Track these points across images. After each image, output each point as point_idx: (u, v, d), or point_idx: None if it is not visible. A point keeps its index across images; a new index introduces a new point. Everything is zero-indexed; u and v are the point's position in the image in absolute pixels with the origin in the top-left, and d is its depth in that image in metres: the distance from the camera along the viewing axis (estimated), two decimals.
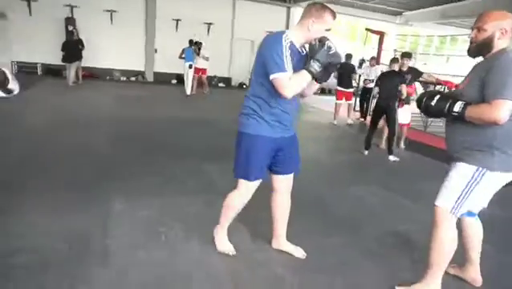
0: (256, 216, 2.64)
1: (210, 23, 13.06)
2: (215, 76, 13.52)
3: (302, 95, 2.17)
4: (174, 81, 12.60)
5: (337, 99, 7.87)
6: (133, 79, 12.50)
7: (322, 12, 1.99)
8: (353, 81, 8.29)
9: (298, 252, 2.41)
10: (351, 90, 7.98)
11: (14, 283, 1.92)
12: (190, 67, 9.91)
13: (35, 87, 8.76)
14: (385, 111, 5.28)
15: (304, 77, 1.95)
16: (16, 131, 4.90)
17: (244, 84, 13.50)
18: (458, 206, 1.93)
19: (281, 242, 2.45)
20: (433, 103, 1.93)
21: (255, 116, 2.08)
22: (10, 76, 1.76)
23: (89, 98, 8.32)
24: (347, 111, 8.07)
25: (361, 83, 8.85)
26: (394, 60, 5.65)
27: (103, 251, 2.28)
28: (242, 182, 2.20)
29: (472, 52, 1.95)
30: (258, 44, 2.11)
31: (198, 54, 10.14)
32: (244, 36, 13.58)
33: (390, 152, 5.27)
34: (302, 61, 2.02)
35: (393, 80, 5.27)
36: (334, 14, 2.03)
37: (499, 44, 1.85)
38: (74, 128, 5.44)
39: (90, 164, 3.91)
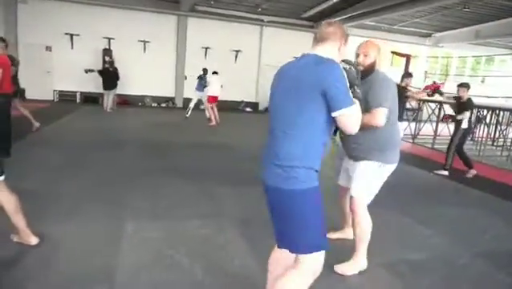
0: None
1: (238, 50, 13.47)
2: (242, 101, 13.81)
3: None
4: (202, 106, 12.97)
5: None
6: (164, 105, 13.02)
7: (346, 34, 1.76)
8: None
9: None
10: None
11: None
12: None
13: (74, 114, 9.39)
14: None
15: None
16: (54, 148, 5.23)
17: None
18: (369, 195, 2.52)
19: None
20: None
21: (307, 166, 1.61)
22: None
23: (120, 123, 8.74)
24: None
25: None
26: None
27: (110, 269, 2.36)
28: (315, 256, 1.63)
29: None
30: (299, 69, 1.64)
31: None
32: (271, 62, 13.83)
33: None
34: None
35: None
36: None
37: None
38: (103, 147, 5.81)
39: (112, 181, 4.17)
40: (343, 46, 1.72)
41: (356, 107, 1.58)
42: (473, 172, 5.73)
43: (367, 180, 2.47)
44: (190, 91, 13.34)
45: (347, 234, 2.95)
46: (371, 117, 2.26)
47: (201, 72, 10.28)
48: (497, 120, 8.68)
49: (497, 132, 8.85)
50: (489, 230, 3.60)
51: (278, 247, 1.75)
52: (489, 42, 14.15)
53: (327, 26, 1.71)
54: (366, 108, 2.21)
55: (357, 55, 2.42)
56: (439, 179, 5.62)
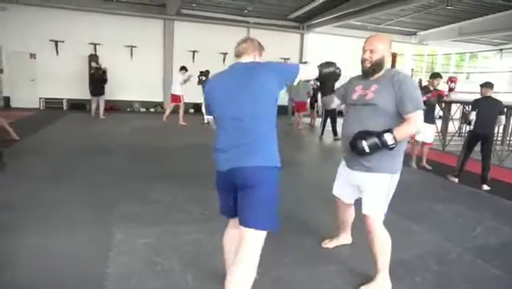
0: None
1: (226, 53, 13.45)
2: None
3: None
4: (191, 110, 12.91)
5: None
6: (152, 110, 12.92)
7: (260, 48, 2.09)
8: None
9: None
10: None
11: None
12: None
13: (60, 121, 9.26)
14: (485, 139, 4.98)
15: None
16: (41, 157, 5.14)
17: None
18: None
19: None
20: (366, 144, 2.10)
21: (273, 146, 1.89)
22: None
23: (108, 129, 8.64)
24: None
25: None
26: (489, 85, 5.04)
27: (99, 277, 2.33)
28: (264, 233, 1.82)
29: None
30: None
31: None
32: None
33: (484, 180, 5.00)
34: None
35: (494, 107, 4.90)
36: None
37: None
38: (91, 154, 5.73)
39: (100, 188, 4.08)
40: (257, 57, 2.02)
41: None
42: (454, 179, 5.25)
43: (382, 196, 2.27)
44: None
45: (343, 240, 2.93)
46: (411, 126, 2.12)
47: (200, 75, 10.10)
48: None
49: None
50: (477, 225, 3.65)
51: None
52: (472, 39, 14.40)
53: (242, 43, 2.02)
54: (388, 114, 2.15)
55: (363, 51, 2.26)
56: (426, 176, 5.68)
